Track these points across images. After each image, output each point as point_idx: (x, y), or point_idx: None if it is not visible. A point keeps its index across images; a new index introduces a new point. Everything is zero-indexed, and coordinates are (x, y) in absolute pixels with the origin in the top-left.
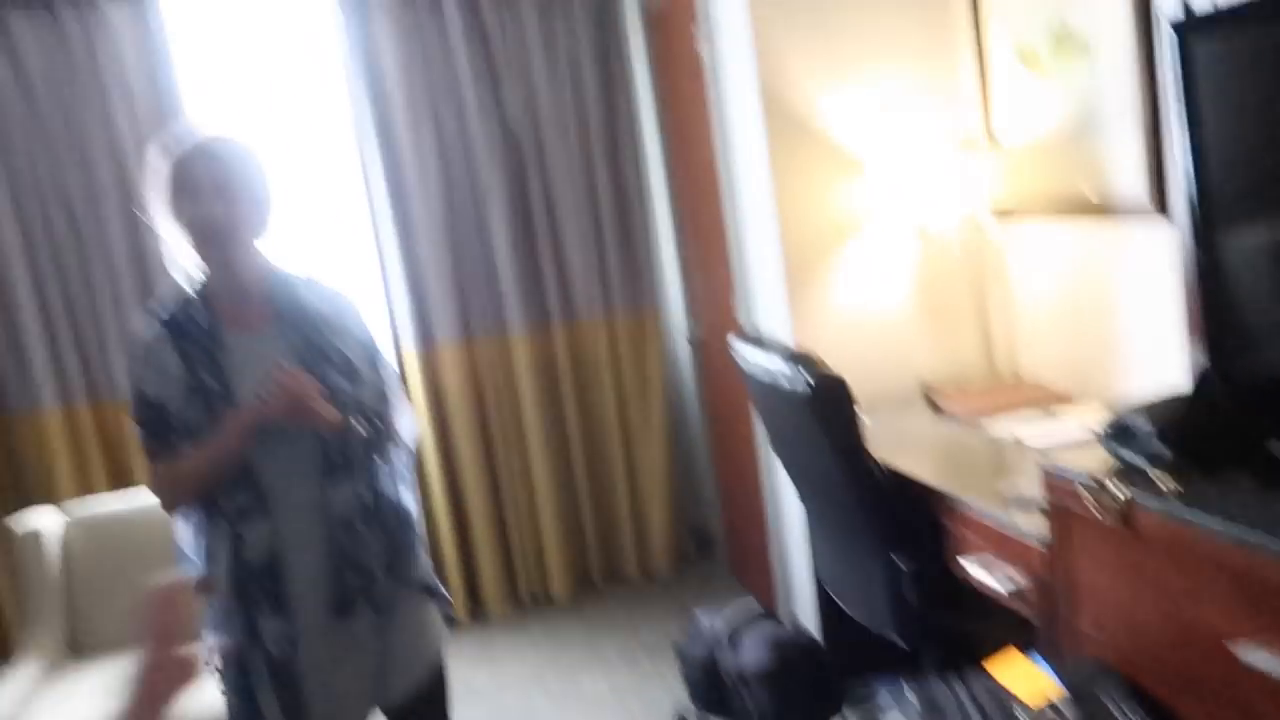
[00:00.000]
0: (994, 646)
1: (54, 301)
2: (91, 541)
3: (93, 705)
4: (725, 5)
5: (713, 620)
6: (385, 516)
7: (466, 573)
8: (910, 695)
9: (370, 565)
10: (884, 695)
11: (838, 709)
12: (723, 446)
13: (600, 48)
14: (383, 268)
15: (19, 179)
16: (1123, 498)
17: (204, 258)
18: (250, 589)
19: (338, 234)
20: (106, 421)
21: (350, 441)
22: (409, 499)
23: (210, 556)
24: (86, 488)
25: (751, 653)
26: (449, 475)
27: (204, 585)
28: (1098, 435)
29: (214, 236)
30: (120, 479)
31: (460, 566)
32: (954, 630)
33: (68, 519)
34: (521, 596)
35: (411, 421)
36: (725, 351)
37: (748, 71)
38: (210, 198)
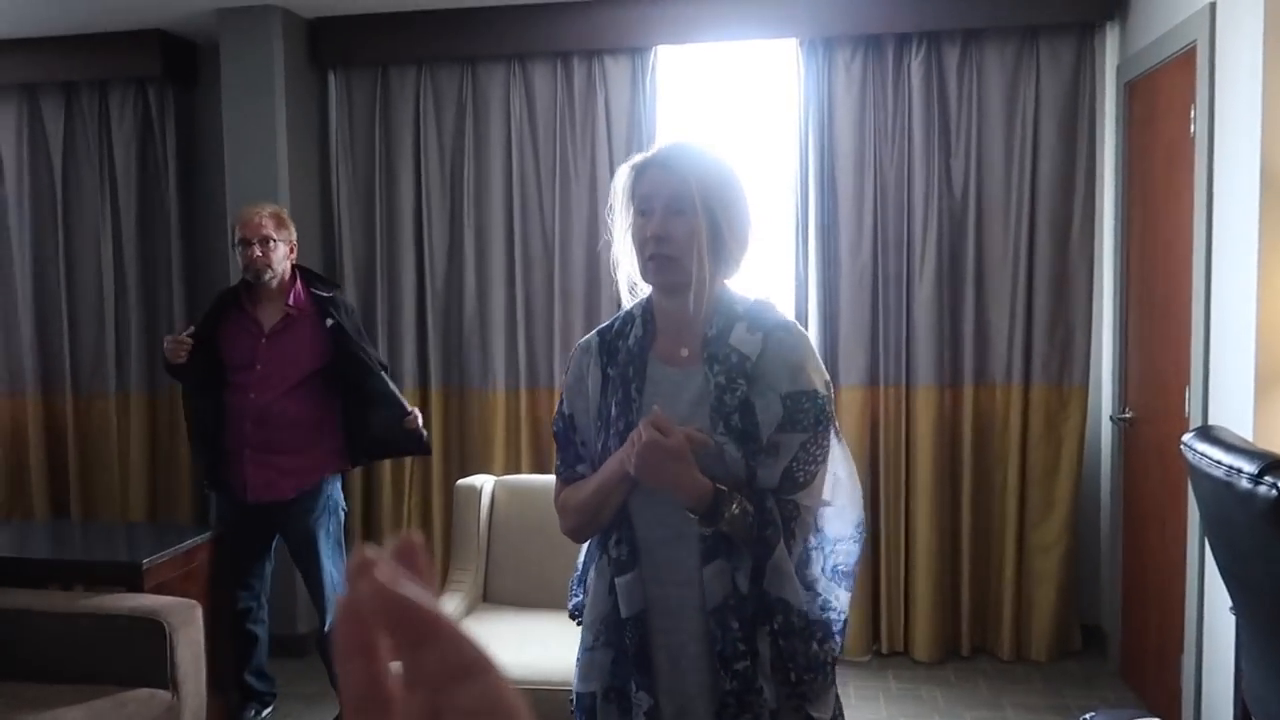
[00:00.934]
0: None
1: (519, 301)
2: (513, 508)
3: (493, 644)
4: (1232, 86)
5: None
6: (772, 617)
7: None
8: None
9: (751, 674)
10: None
11: None
12: (1136, 538)
13: (1066, 114)
14: (801, 306)
15: (513, 191)
16: None
17: (646, 277)
18: (619, 648)
19: (765, 267)
20: (539, 404)
21: (724, 518)
22: (817, 605)
23: (592, 597)
24: (514, 465)
25: None
26: None
27: (580, 619)
28: None
29: (654, 256)
30: (540, 464)
31: None
32: None
33: (497, 483)
34: (881, 648)
35: (852, 512)
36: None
37: (1248, 155)
38: (659, 212)
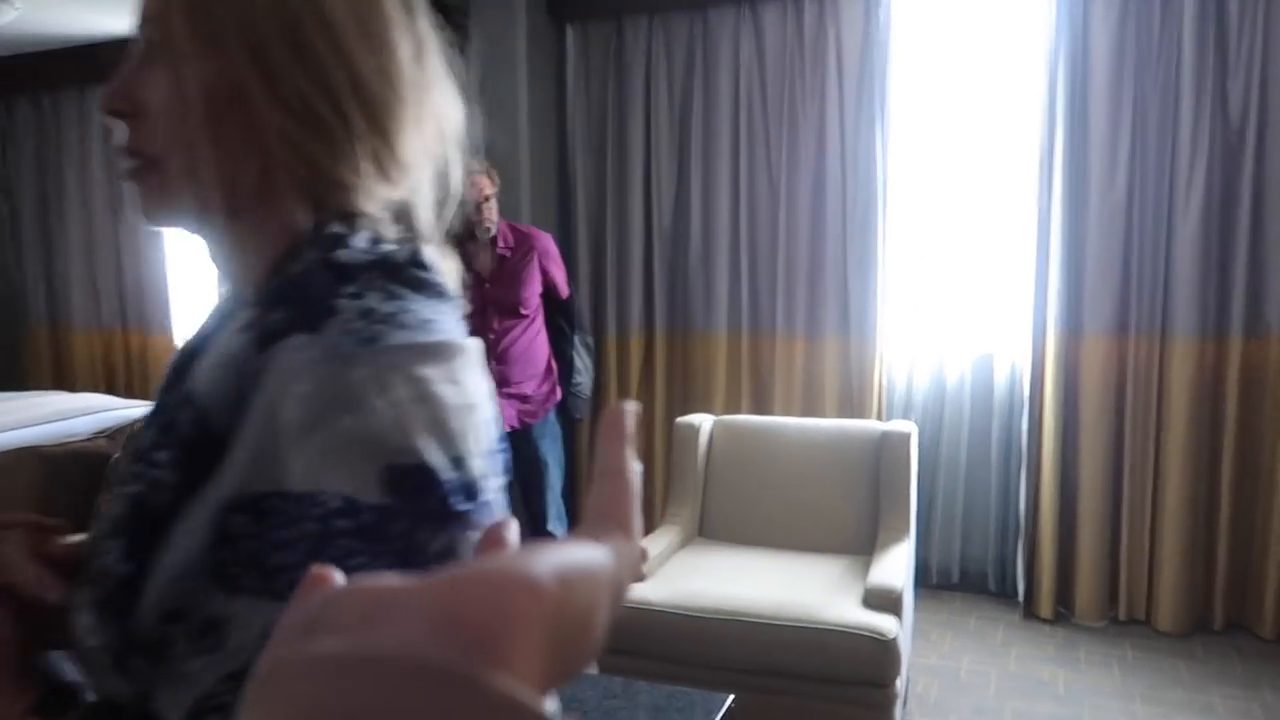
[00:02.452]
0: None
1: (743, 246)
2: (730, 447)
3: (708, 574)
4: None
5: None
6: None
7: (1061, 571)
8: None
9: None
10: None
11: None
12: None
13: None
14: (1043, 247)
15: (740, 136)
16: None
17: None
18: None
19: (1003, 211)
20: (759, 347)
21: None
22: None
23: None
24: (734, 407)
25: None
26: (1064, 468)
27: None
28: None
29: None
30: (759, 406)
31: (1056, 563)
32: None
33: (715, 422)
34: (1119, 613)
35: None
36: None
37: None
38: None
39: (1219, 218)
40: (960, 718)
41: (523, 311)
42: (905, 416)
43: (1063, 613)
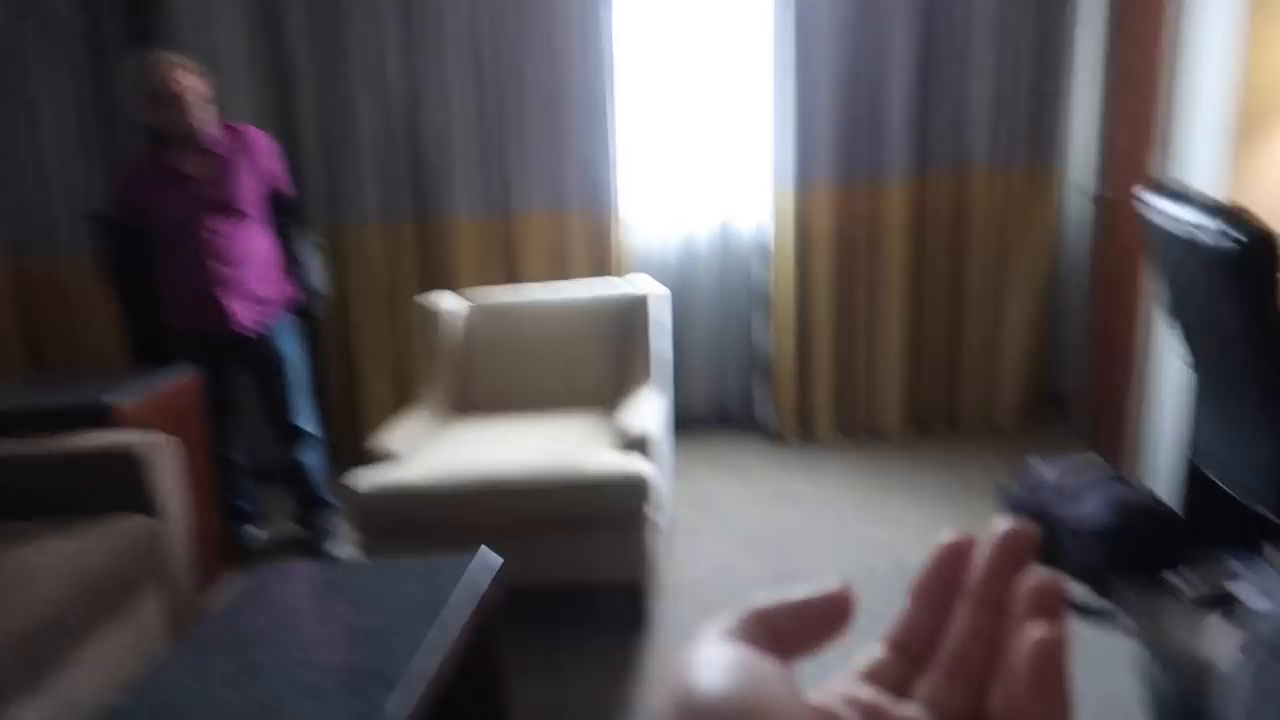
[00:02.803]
0: None
1: (476, 124)
2: (482, 320)
3: (467, 449)
4: None
5: (1052, 472)
6: None
7: (801, 397)
8: (1270, 562)
9: None
10: (1233, 562)
11: (1177, 574)
12: (1105, 310)
13: None
14: (776, 104)
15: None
16: None
17: None
18: None
19: (738, 66)
20: (506, 227)
21: None
22: None
23: None
24: (485, 282)
25: (1092, 508)
26: (801, 305)
27: None
28: None
29: None
30: (512, 278)
31: (796, 390)
32: None
33: (471, 303)
34: (855, 428)
35: None
36: (1132, 211)
37: None
38: None
39: (926, 63)
40: (715, 535)
41: (242, 211)
42: (658, 276)
43: (805, 434)
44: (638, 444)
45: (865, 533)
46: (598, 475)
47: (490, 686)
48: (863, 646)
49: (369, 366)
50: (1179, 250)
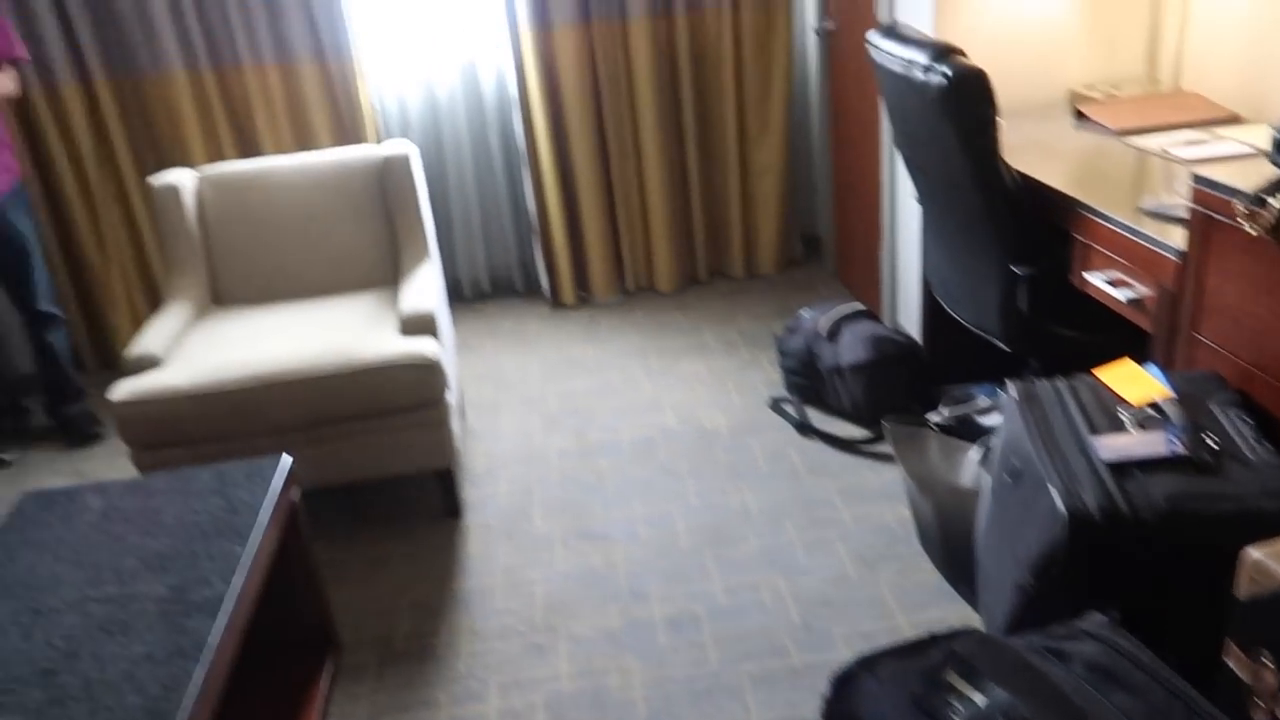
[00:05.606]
0: (1103, 359)
1: None
2: (222, 198)
3: (234, 344)
4: None
5: (814, 316)
6: None
7: (575, 260)
8: (1010, 392)
9: None
10: (981, 394)
11: (931, 407)
12: (842, 148)
13: None
14: None
15: None
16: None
17: None
18: None
19: None
20: (228, 83)
21: None
22: None
23: None
24: (216, 155)
25: (850, 347)
26: (561, 163)
27: None
28: (1264, 149)
29: None
30: (247, 148)
31: (570, 254)
32: (1062, 340)
33: (199, 177)
34: (628, 286)
35: None
36: (857, 46)
37: None
38: None
39: None
40: (511, 410)
41: None
42: (403, 136)
43: (583, 296)
44: (421, 324)
45: (655, 393)
46: (381, 361)
47: (305, 594)
48: (668, 500)
49: (96, 260)
50: (900, 87)
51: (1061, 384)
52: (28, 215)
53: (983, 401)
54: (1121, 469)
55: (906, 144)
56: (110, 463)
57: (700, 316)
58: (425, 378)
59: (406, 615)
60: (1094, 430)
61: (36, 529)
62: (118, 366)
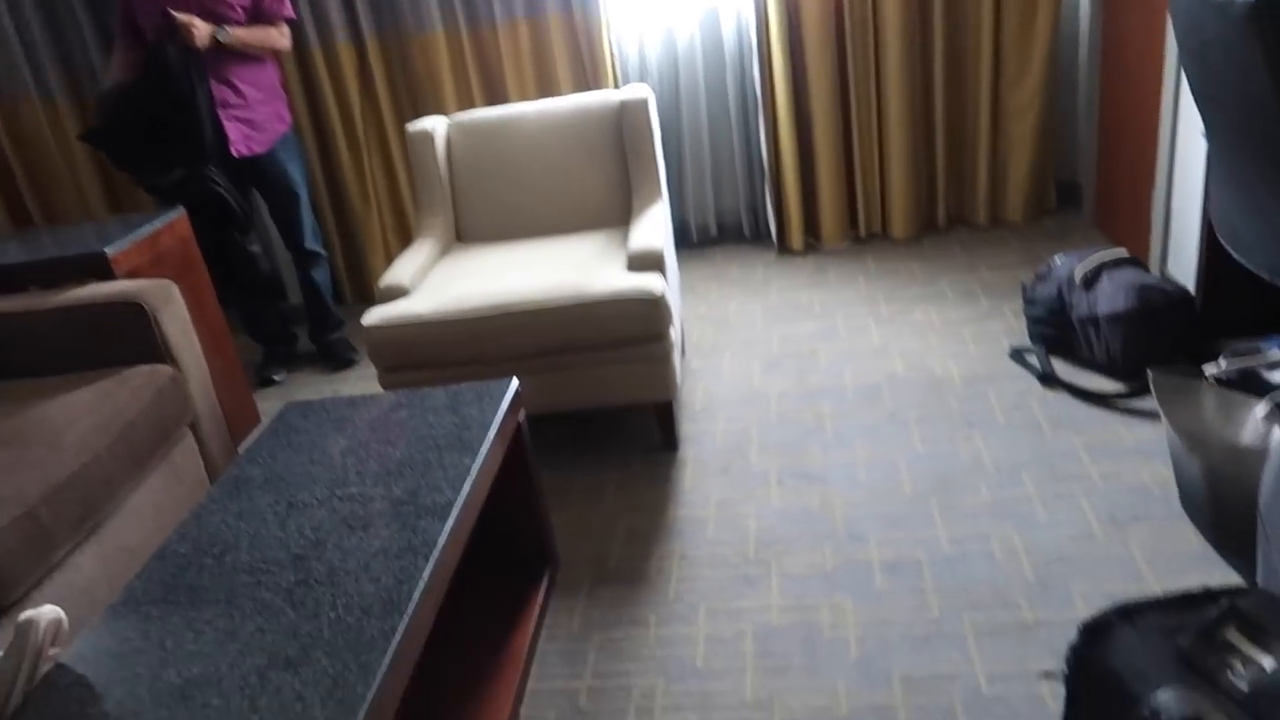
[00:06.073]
0: None
1: None
2: (470, 142)
3: (475, 278)
4: None
5: (1069, 262)
6: None
7: (806, 205)
8: None
9: None
10: (1272, 346)
11: (1200, 363)
12: (1113, 84)
13: None
14: None
15: None
16: None
17: None
18: None
19: None
20: (481, 40)
21: None
22: None
23: None
24: (467, 105)
25: (1109, 295)
26: (798, 106)
27: None
28: None
29: None
30: (494, 98)
31: (800, 198)
32: None
33: (450, 124)
34: (860, 232)
35: None
36: None
37: None
38: None
39: None
40: (733, 352)
41: (231, 17)
42: (641, 81)
43: (812, 243)
44: (648, 260)
45: (884, 340)
46: (608, 294)
47: (527, 510)
48: (892, 446)
49: (358, 204)
50: (1195, 7)
51: None
52: (299, 161)
53: (1274, 354)
54: None
55: (1199, 74)
56: (362, 385)
57: (937, 265)
58: (649, 311)
59: (620, 539)
60: None
61: (296, 434)
62: (372, 299)
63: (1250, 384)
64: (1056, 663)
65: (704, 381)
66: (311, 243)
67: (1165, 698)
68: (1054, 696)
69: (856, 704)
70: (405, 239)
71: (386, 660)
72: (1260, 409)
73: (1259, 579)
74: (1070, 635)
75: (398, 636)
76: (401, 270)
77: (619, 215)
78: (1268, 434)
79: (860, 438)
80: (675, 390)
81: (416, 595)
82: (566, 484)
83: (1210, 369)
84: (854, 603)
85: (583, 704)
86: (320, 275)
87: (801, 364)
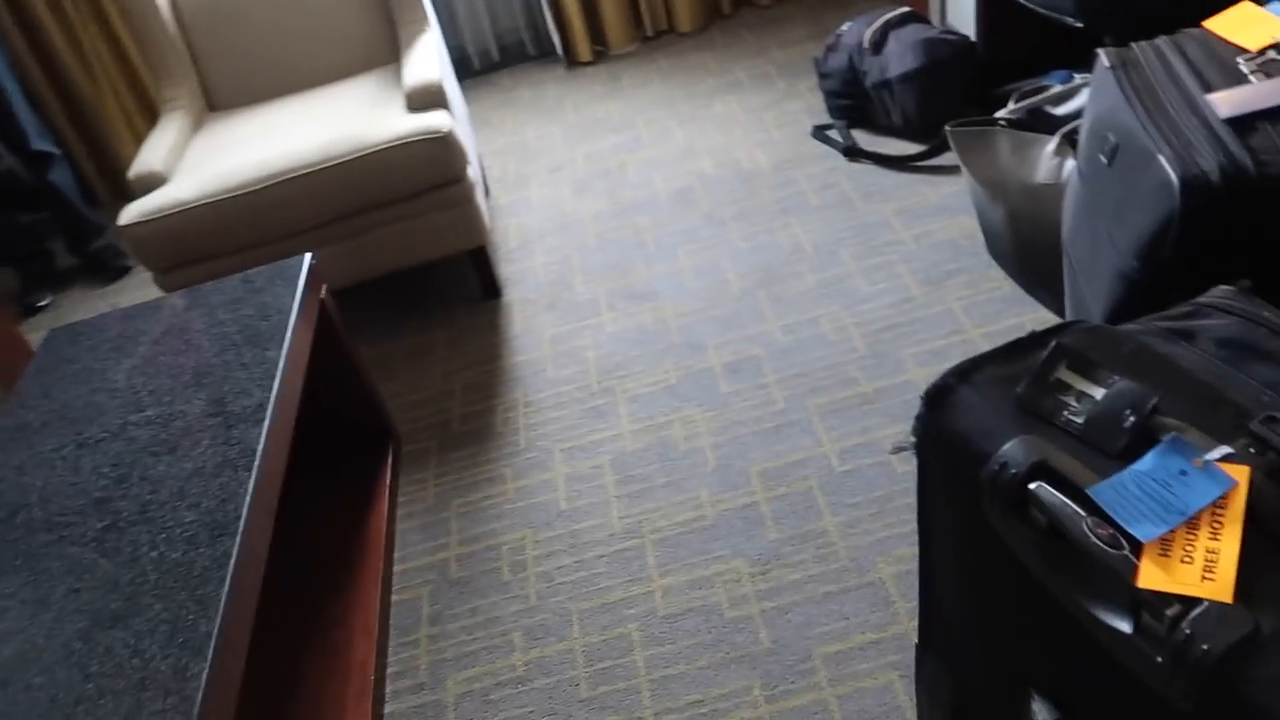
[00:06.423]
0: (1201, 18)
1: None
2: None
3: (241, 148)
4: None
5: (856, 29)
6: None
7: (587, 10)
8: (1102, 61)
9: None
10: (1054, 82)
11: (992, 110)
12: None
13: None
14: None
15: None
16: None
17: None
18: None
19: None
20: None
21: None
22: None
23: None
24: None
25: (898, 55)
26: None
27: None
28: None
29: None
30: None
31: (580, 4)
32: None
33: None
34: (647, 31)
35: None
36: None
37: None
38: None
39: None
40: (539, 180)
41: None
42: None
43: (600, 50)
44: (428, 96)
45: (689, 140)
46: (392, 139)
47: (354, 390)
48: (714, 248)
49: (86, 87)
50: None
51: (1163, 42)
52: None
53: (1057, 89)
54: (1244, 123)
55: None
56: (142, 293)
57: (728, 53)
58: (440, 152)
59: (459, 398)
60: (1207, 88)
61: (69, 364)
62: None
63: (1040, 122)
64: (899, 428)
65: (515, 217)
66: (38, 142)
67: (1009, 448)
68: (902, 460)
69: (722, 509)
70: (154, 120)
71: (225, 589)
72: (1050, 145)
73: (1067, 311)
74: (907, 399)
75: (233, 560)
76: (152, 154)
77: (386, 53)
78: (1060, 168)
79: (682, 245)
80: (486, 233)
81: (244, 512)
82: (391, 353)
83: (1000, 113)
84: (702, 411)
85: (454, 573)
86: (60, 177)
87: (611, 180)
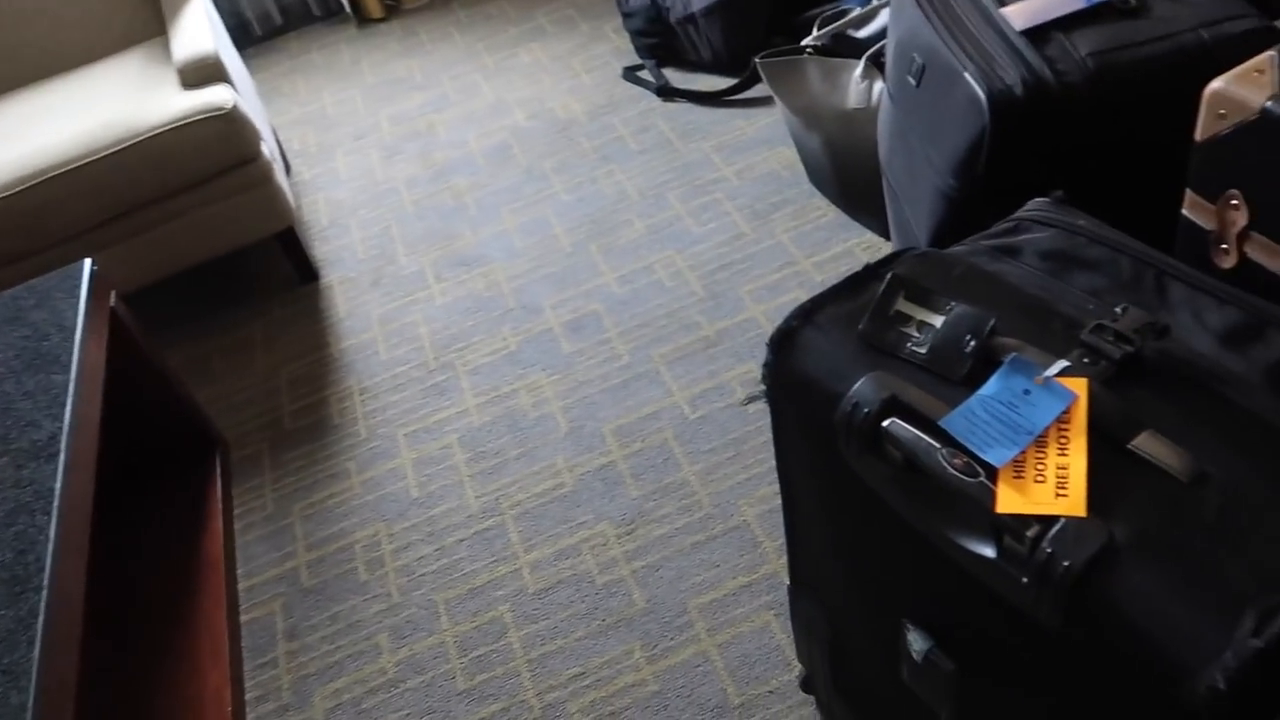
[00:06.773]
0: None
1: None
2: None
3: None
4: None
5: None
6: None
7: None
8: None
9: None
10: (854, 4)
11: (799, 38)
12: None
13: None
14: None
15: None
16: None
17: None
18: None
19: None
20: None
21: None
22: None
23: None
24: None
25: None
26: None
27: None
28: None
29: None
30: None
31: None
32: None
33: None
34: None
35: None
36: None
37: None
38: None
39: None
40: (344, 150)
41: None
42: None
43: (391, 5)
44: (204, 69)
45: (498, 94)
46: (168, 122)
47: (165, 402)
48: (539, 204)
49: None
50: None
51: None
52: None
53: (857, 11)
54: (1039, 34)
55: None
56: None
57: (528, 2)
58: (225, 130)
59: (288, 393)
60: (1001, 2)
61: None
62: None
63: (845, 47)
64: (746, 367)
65: (322, 192)
66: None
67: (859, 388)
68: (754, 403)
69: (580, 473)
70: None
71: (36, 652)
72: (857, 70)
73: (891, 233)
74: (750, 337)
75: (40, 618)
76: None
77: (150, 27)
78: (869, 91)
79: (505, 204)
80: (291, 213)
81: (48, 561)
82: (205, 354)
83: (807, 41)
84: (547, 375)
85: (306, 581)
86: None
87: (422, 143)
